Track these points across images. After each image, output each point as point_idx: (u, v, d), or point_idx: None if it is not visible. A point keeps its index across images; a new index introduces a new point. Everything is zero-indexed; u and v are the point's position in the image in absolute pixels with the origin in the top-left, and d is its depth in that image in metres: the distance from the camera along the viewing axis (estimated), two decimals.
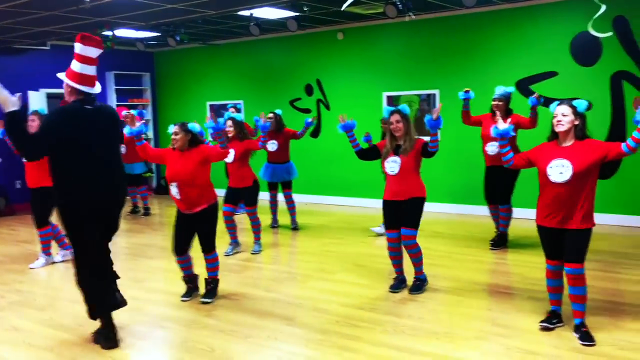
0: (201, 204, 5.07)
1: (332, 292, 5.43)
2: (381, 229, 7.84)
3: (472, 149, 8.43)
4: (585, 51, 7.94)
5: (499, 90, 6.65)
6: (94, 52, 4.07)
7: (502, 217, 6.84)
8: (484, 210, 8.34)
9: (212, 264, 5.28)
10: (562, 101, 4.19)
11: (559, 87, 8.18)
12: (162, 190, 12.33)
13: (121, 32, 9.05)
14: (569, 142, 4.12)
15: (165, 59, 12.65)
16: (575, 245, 4.07)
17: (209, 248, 5.21)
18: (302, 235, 8.00)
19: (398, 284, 5.34)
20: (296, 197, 10.55)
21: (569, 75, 8.13)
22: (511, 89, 6.74)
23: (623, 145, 3.97)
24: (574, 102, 4.12)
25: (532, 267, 6.03)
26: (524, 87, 8.32)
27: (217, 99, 11.80)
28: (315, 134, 10.60)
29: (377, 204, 9.20)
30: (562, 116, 4.09)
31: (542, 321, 4.37)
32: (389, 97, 9.74)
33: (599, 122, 7.58)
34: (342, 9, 6.16)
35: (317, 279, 5.87)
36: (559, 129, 4.12)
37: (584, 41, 7.93)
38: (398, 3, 6.46)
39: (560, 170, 4.06)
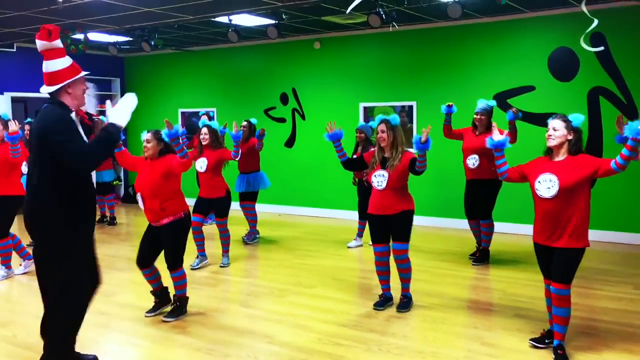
0: (167, 217, 4.83)
1: (311, 308, 5.25)
2: (356, 242, 7.69)
3: (450, 161, 8.38)
4: (563, 66, 7.96)
5: (481, 103, 6.59)
6: (37, 44, 3.55)
7: (483, 232, 6.73)
8: (461, 224, 8.28)
9: (178, 282, 4.98)
10: (556, 115, 4.11)
11: (537, 102, 8.18)
12: (130, 199, 11.98)
13: (91, 36, 8.77)
14: (561, 157, 4.03)
15: (136, 64, 12.34)
16: (562, 265, 3.95)
17: (172, 265, 4.91)
18: (276, 247, 7.79)
19: (384, 302, 5.17)
20: (269, 208, 10.43)
21: (546, 89, 8.14)
22: (493, 102, 6.69)
23: (612, 162, 3.86)
24: (570, 116, 4.03)
25: (514, 283, 5.96)
26: (501, 100, 8.29)
27: (190, 107, 11.54)
28: (290, 143, 10.43)
29: (351, 216, 9.12)
30: (553, 130, 4.01)
31: (533, 339, 4.26)
32: (365, 108, 9.64)
33: None
34: (347, 11, 5.95)
35: (295, 294, 5.68)
36: (549, 143, 4.04)
37: (561, 56, 7.97)
38: (382, 13, 6.35)
39: (547, 185, 3.98)
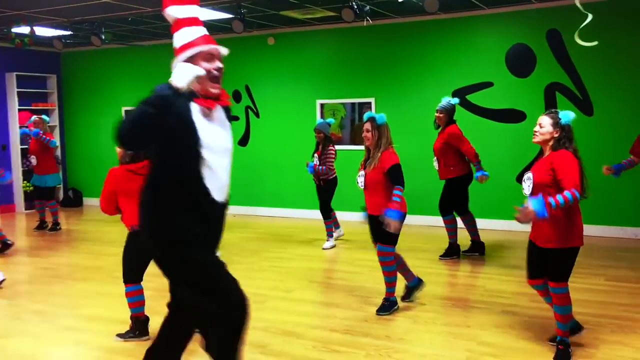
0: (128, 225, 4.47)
1: (297, 313, 5.06)
2: (330, 243, 7.53)
3: (415, 156, 8.31)
4: (520, 62, 8.09)
5: (443, 101, 6.59)
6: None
7: (447, 229, 6.80)
8: (427, 220, 8.33)
9: (127, 299, 4.47)
10: (547, 111, 4.06)
11: (495, 98, 8.28)
12: (69, 202, 11.34)
13: (25, 30, 8.06)
14: (546, 154, 3.98)
15: (74, 60, 11.68)
16: (555, 264, 3.92)
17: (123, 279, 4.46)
18: (238, 249, 7.51)
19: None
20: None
21: (504, 85, 8.25)
22: (455, 100, 6.69)
23: (560, 195, 3.61)
24: (560, 113, 4.00)
25: (490, 279, 5.97)
26: (460, 97, 8.32)
27: (134, 104, 11.00)
28: (243, 142, 10.15)
29: (309, 215, 8.99)
30: (539, 127, 3.96)
31: (550, 338, 4.22)
32: (322, 105, 9.50)
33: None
34: None
35: (276, 299, 5.47)
36: (533, 139, 3.99)
37: (518, 53, 8.09)
38: (355, 7, 6.21)
39: (528, 184, 3.94)
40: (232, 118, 3.11)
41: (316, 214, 7.67)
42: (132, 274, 4.42)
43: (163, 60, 10.55)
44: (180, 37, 2.81)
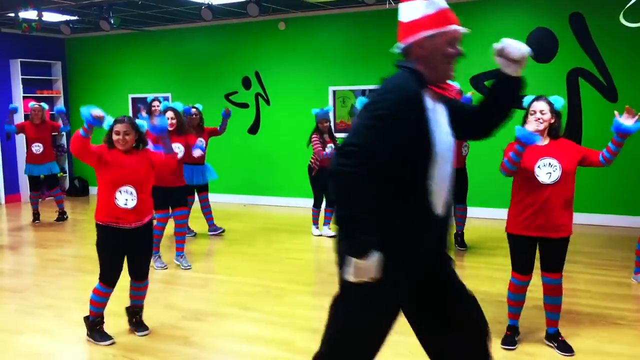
0: (148, 215, 4.26)
1: (318, 308, 4.82)
2: (318, 231, 7.36)
3: None
4: (542, 47, 7.83)
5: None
6: None
7: (461, 216, 6.62)
8: None
9: (145, 292, 4.36)
10: (538, 97, 3.84)
11: None
12: (76, 192, 11.12)
13: (32, 15, 7.77)
14: (545, 141, 3.82)
15: (79, 46, 11.42)
16: (558, 255, 3.84)
17: (147, 272, 4.30)
18: (250, 240, 7.30)
19: None
20: (233, 198, 9.91)
21: (525, 71, 7.90)
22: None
23: (600, 156, 3.77)
24: (551, 99, 3.81)
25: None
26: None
27: (141, 92, 10.78)
28: (253, 130, 9.91)
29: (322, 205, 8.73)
30: (541, 113, 3.77)
31: (504, 342, 4.04)
32: (335, 92, 9.25)
33: None
34: None
35: (295, 293, 5.26)
36: (538, 127, 3.76)
37: (540, 37, 7.83)
38: None
39: (548, 171, 3.75)
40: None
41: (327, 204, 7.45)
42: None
43: (168, 45, 10.41)
44: (416, 9, 2.23)
